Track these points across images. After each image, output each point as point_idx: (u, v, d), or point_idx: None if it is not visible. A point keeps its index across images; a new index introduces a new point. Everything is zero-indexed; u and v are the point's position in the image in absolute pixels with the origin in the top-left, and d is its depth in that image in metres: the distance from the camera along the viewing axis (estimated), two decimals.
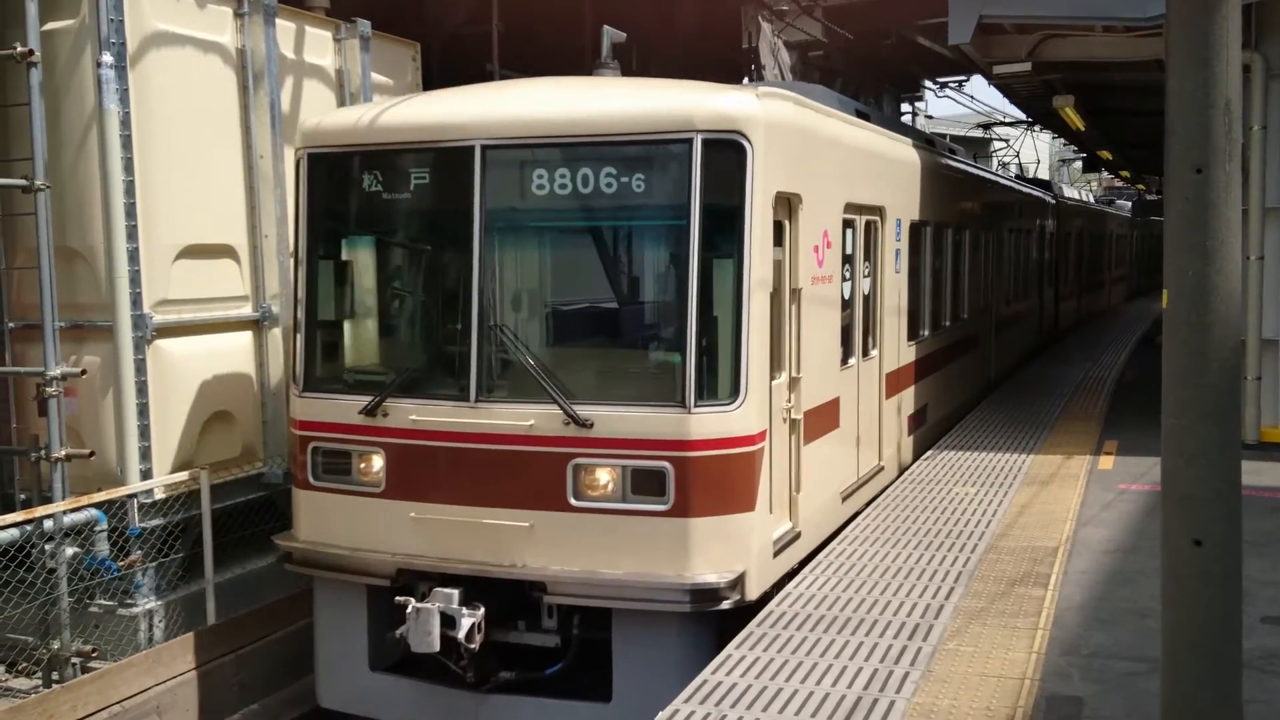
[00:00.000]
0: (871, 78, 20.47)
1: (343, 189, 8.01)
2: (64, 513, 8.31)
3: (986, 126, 26.01)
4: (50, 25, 8.76)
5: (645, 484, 7.04)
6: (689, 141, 6.98)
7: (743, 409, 7.08)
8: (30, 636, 8.49)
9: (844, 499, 9.28)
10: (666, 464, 6.99)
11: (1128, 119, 23.45)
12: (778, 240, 7.65)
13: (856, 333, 9.76)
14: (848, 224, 9.32)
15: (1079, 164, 43.27)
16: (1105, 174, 46.03)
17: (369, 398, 7.56)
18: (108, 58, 8.53)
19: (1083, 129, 22.79)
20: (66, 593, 8.34)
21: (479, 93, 8.20)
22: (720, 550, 7.07)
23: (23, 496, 8.91)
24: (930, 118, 31.64)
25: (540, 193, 7.27)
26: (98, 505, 8.51)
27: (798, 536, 8.05)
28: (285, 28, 10.21)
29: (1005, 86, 19.46)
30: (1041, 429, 13.25)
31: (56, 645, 8.36)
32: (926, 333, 12.58)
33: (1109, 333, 25.79)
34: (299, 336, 8.02)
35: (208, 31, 9.48)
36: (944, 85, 22.70)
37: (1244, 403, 11.49)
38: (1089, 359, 20.34)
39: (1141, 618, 6.83)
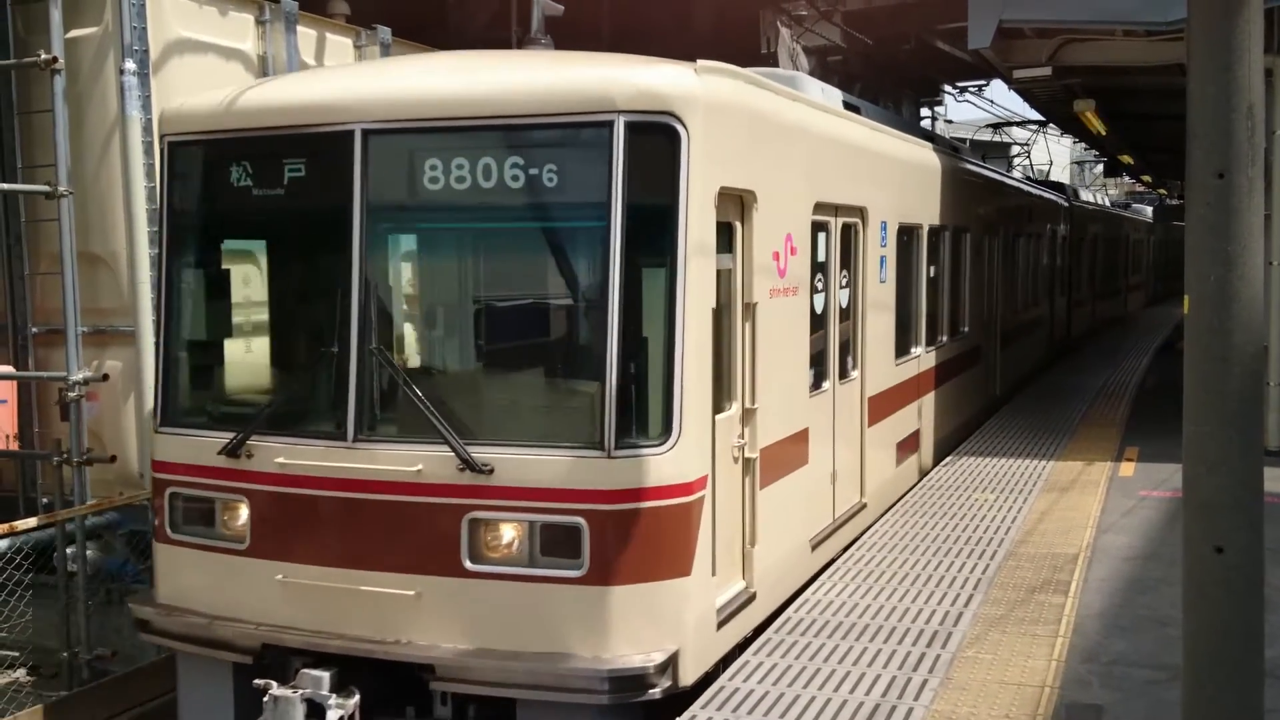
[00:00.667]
0: (891, 83, 20.44)
1: (208, 184, 6.84)
2: (85, 516, 8.37)
3: (996, 127, 25.79)
4: (74, 33, 8.84)
5: (556, 544, 5.88)
6: (609, 124, 5.84)
7: (675, 451, 5.90)
8: (51, 640, 8.54)
9: (815, 546, 8.13)
10: (580, 519, 5.81)
11: (1149, 123, 23.32)
12: (726, 245, 6.62)
13: (831, 352, 8.58)
14: (819, 227, 8.20)
15: (1099, 168, 43.08)
16: (1126, 178, 45.83)
17: (234, 434, 6.43)
18: (130, 65, 8.60)
19: (1103, 133, 22.67)
20: (83, 597, 8.39)
21: (366, 68, 7.12)
22: (647, 625, 5.90)
23: (45, 500, 8.98)
24: (950, 122, 31.57)
25: (434, 187, 6.11)
26: (118, 509, 8.57)
27: (752, 599, 6.89)
28: (306, 35, 10.26)
29: (1025, 91, 19.38)
30: (1062, 435, 13.19)
31: (77, 648, 8.42)
32: (920, 349, 11.37)
33: (1127, 340, 25.62)
34: (158, 360, 6.90)
35: (229, 38, 9.54)
36: (963, 90, 22.65)
37: (1266, 409, 11.41)
38: (1110, 365, 20.23)
39: (1162, 625, 6.79)
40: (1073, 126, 25.18)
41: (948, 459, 11.84)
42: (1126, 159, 32.56)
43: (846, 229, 8.95)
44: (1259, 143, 3.88)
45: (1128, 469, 11.32)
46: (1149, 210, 43.23)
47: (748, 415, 6.92)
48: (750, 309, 6.88)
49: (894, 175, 10.41)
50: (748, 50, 16.14)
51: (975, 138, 26.66)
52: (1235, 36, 3.83)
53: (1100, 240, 27.28)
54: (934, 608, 7.20)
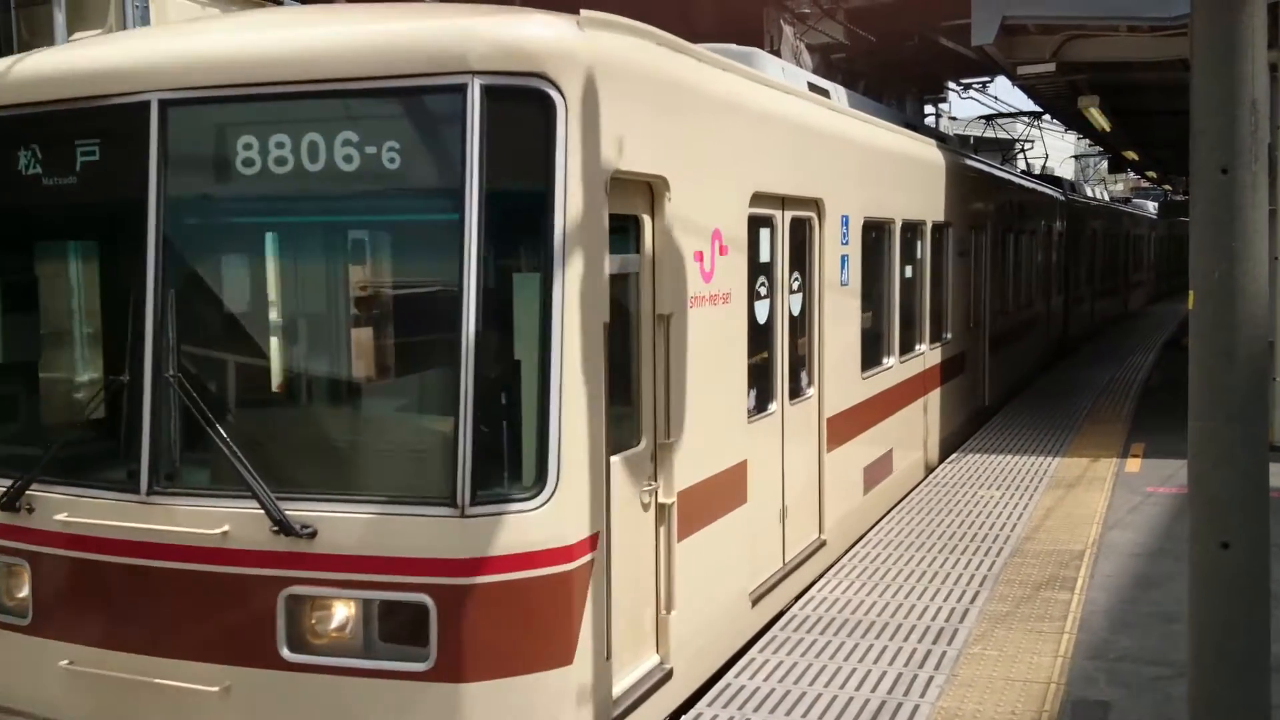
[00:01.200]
0: (894, 79, 20.45)
1: None
2: None
3: (990, 119, 25.68)
4: (77, 35, 8.87)
5: (396, 628, 4.70)
6: (461, 89, 4.66)
7: (552, 505, 4.68)
8: None
9: (757, 600, 6.93)
10: (426, 597, 4.62)
11: (1153, 119, 23.32)
12: (631, 244, 5.55)
13: (779, 368, 7.43)
14: (760, 221, 7.04)
15: (1104, 164, 43.08)
16: (1131, 174, 45.82)
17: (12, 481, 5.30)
18: None
19: (1108, 129, 22.66)
20: None
21: (173, 27, 6.03)
22: None
23: None
24: (954, 119, 31.55)
25: (249, 171, 4.91)
26: None
27: (668, 676, 5.71)
28: None
29: (1029, 87, 19.39)
30: (1067, 432, 13.20)
31: None
32: (893, 360, 10.15)
33: (1129, 340, 25.51)
34: None
35: None
36: (968, 86, 22.64)
37: (1271, 404, 11.40)
38: (1114, 363, 20.21)
39: (1169, 621, 6.79)
40: (1077, 122, 25.18)
41: (952, 456, 11.84)
42: (1131, 155, 32.55)
43: (798, 224, 7.77)
44: (1263, 138, 3.89)
45: (1134, 465, 11.32)
46: (1152, 205, 43.17)
47: (661, 452, 5.73)
48: (663, 321, 5.70)
49: (860, 164, 9.12)
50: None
51: (974, 133, 26.55)
52: (1239, 31, 3.84)
53: (1100, 236, 27.03)
54: (940, 604, 7.21)
